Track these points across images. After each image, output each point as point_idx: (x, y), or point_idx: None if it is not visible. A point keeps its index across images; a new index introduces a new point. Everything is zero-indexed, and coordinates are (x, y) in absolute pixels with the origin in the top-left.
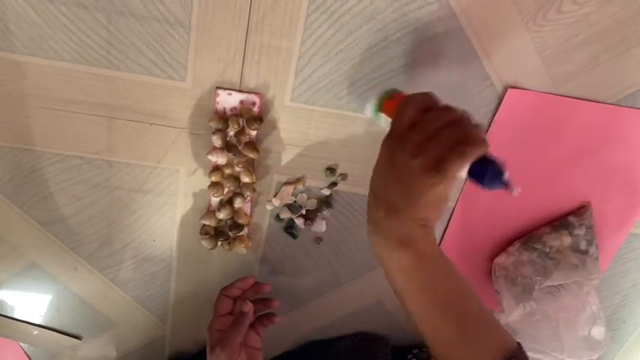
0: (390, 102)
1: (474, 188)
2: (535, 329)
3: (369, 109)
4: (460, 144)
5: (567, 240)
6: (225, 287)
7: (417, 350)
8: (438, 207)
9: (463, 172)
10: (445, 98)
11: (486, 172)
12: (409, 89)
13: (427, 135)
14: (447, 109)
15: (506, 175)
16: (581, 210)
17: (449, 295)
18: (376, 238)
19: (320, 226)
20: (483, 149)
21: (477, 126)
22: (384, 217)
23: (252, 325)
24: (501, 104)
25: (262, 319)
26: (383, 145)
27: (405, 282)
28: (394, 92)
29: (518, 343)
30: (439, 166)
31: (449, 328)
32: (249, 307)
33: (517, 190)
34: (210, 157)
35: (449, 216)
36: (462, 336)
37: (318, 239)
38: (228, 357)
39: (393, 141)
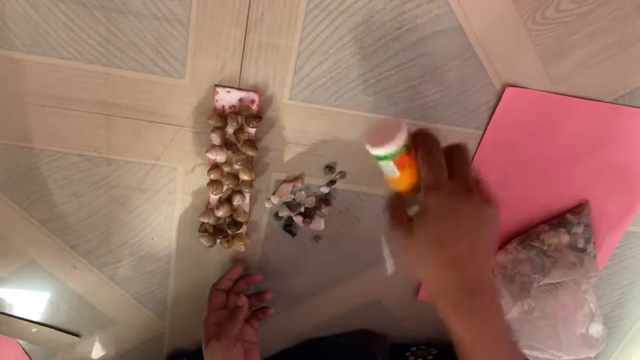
0: (406, 156)
1: None
2: (533, 327)
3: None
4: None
5: (565, 238)
6: (216, 282)
7: (415, 348)
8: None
9: None
10: (444, 96)
11: None
12: (408, 88)
13: (466, 175)
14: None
15: None
16: (579, 208)
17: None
18: (445, 306)
19: (319, 224)
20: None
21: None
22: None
23: (247, 320)
24: (500, 102)
25: (257, 313)
26: (432, 202)
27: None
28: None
29: None
30: (489, 195)
31: None
32: (243, 300)
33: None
34: (209, 154)
35: None
36: None
37: (317, 237)
38: (223, 349)
39: (443, 194)
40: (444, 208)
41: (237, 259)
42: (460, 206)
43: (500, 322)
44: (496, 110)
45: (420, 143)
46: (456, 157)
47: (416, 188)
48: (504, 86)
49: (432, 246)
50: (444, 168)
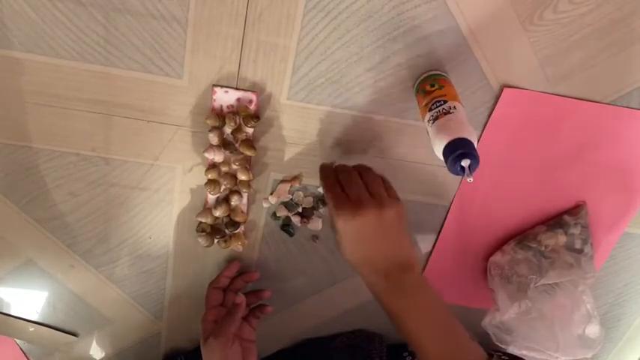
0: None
1: (469, 187)
2: (530, 328)
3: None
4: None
5: (562, 239)
6: (213, 280)
7: None
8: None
9: (438, 152)
10: None
11: (449, 156)
12: (406, 89)
13: (358, 185)
14: (344, 170)
15: (465, 163)
16: (576, 209)
17: (442, 314)
18: (382, 289)
19: (316, 224)
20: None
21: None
22: (387, 276)
23: (245, 318)
24: (497, 103)
25: (255, 310)
26: (341, 218)
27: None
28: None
29: (489, 354)
30: (392, 194)
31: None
32: (241, 298)
33: (470, 179)
34: (206, 154)
35: (445, 215)
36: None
37: (315, 237)
38: (221, 346)
39: (351, 209)
40: (347, 229)
41: (234, 259)
42: (359, 221)
43: (423, 297)
44: (494, 111)
45: (323, 177)
46: (362, 177)
47: None
48: (502, 87)
49: (346, 250)
50: (342, 196)
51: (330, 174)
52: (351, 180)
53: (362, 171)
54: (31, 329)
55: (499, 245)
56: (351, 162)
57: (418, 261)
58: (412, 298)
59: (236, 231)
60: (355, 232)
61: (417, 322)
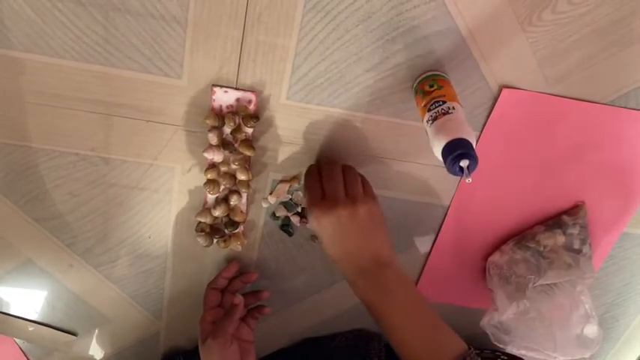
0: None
1: (468, 187)
2: (528, 328)
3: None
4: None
5: (561, 239)
6: (211, 281)
7: None
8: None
9: (437, 153)
10: None
11: (448, 156)
12: (405, 89)
13: (336, 181)
14: (328, 164)
15: (464, 163)
16: (575, 209)
17: (421, 309)
18: (362, 286)
19: None
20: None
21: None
22: (365, 272)
23: (243, 319)
24: (496, 104)
25: (253, 311)
26: (314, 215)
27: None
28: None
29: (469, 347)
30: (368, 192)
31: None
32: (239, 299)
33: (468, 179)
34: (206, 154)
35: (443, 215)
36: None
37: (314, 237)
38: (219, 347)
39: (324, 206)
40: (321, 226)
41: (233, 259)
42: (331, 218)
43: (401, 293)
44: (492, 111)
45: (305, 174)
46: (343, 174)
47: None
48: (500, 87)
49: (325, 247)
50: (317, 194)
51: (313, 172)
52: (331, 175)
53: (344, 168)
54: (31, 328)
55: (498, 245)
56: (349, 162)
57: (396, 258)
58: (391, 294)
59: (235, 231)
60: (329, 228)
61: (396, 317)
